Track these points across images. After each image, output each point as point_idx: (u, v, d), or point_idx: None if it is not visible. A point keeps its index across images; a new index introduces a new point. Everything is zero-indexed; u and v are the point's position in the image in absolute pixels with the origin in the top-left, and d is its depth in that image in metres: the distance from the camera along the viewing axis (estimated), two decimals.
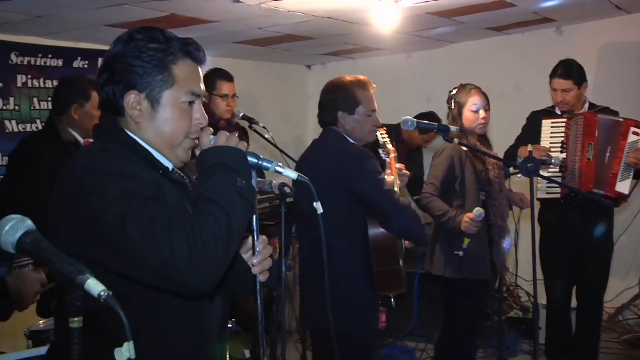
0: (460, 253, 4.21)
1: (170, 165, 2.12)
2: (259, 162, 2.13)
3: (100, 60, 5.16)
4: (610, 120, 4.97)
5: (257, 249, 2.22)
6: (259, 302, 2.27)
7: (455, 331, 4.49)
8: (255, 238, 2.22)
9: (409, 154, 6.66)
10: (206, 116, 2.16)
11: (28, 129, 5.16)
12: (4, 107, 5.06)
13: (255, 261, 2.21)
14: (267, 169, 2.17)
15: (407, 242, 3.93)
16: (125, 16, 4.65)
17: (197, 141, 2.14)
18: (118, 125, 2.08)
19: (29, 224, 1.62)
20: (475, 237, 4.21)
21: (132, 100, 2.04)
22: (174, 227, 1.84)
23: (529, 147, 4.13)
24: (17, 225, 1.61)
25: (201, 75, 2.16)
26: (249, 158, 2.10)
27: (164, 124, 2.08)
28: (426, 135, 6.51)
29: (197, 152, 2.14)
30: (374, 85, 3.75)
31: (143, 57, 2.04)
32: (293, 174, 2.22)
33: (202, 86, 2.15)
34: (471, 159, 4.35)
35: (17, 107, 5.13)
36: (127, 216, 1.82)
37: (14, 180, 4.20)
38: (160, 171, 2.07)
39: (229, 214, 1.92)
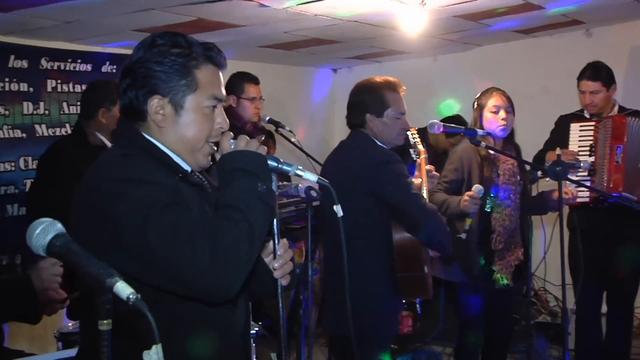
0: (463, 236, 4.12)
1: (189, 168, 2.13)
2: (279, 165, 2.14)
3: None
4: None
5: (278, 252, 2.23)
6: (280, 305, 2.27)
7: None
8: (276, 242, 2.23)
9: (436, 158, 6.61)
10: (227, 120, 2.17)
11: (58, 133, 5.20)
12: (35, 112, 5.11)
13: (276, 265, 2.21)
14: (287, 172, 2.18)
15: (432, 250, 3.89)
16: (153, 21, 4.69)
17: (215, 147, 2.14)
18: (137, 130, 2.09)
19: (59, 227, 1.63)
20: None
21: (156, 105, 2.04)
22: (195, 234, 1.84)
23: (557, 151, 4.10)
24: (48, 229, 1.62)
25: (222, 79, 2.16)
26: (269, 162, 2.10)
27: (187, 129, 2.08)
28: (453, 139, 6.47)
29: (217, 157, 2.14)
30: (404, 88, 3.71)
31: (166, 62, 2.04)
32: (313, 177, 2.22)
33: (224, 91, 2.16)
34: (480, 164, 4.31)
35: (47, 112, 5.18)
36: (148, 224, 1.83)
37: (43, 183, 4.24)
38: (180, 174, 2.07)
39: (250, 219, 1.93)
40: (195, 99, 2.07)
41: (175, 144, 2.09)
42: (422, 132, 5.85)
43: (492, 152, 4.32)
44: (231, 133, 2.15)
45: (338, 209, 2.29)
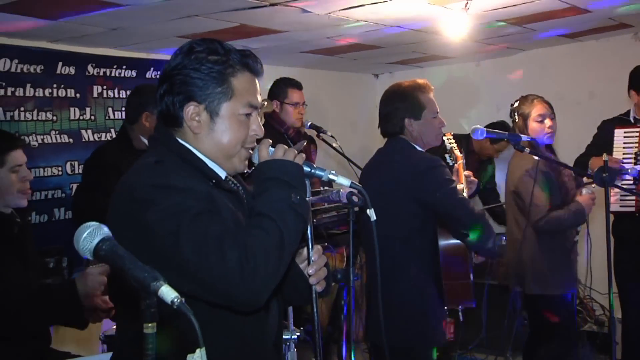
0: (576, 239, 4.32)
1: (223, 174, 2.14)
2: (312, 170, 2.15)
3: None
4: None
5: (312, 258, 2.23)
6: (315, 310, 2.27)
7: None
8: (310, 248, 2.23)
9: (481, 165, 6.59)
10: (262, 128, 2.18)
11: (103, 138, 5.27)
12: (81, 117, 5.18)
13: (311, 271, 2.22)
14: (320, 177, 2.18)
15: (477, 255, 3.86)
16: (196, 27, 4.72)
17: (252, 151, 2.15)
18: (173, 136, 2.10)
19: (105, 231, 1.65)
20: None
21: (192, 111, 2.06)
22: (226, 242, 1.85)
23: (604, 157, 4.04)
24: (95, 232, 1.63)
25: (258, 87, 2.17)
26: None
27: (222, 135, 2.09)
28: (497, 145, 6.41)
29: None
30: (432, 87, 3.69)
31: (203, 69, 2.06)
32: (346, 182, 2.22)
33: (259, 98, 2.16)
34: (556, 170, 4.28)
35: (93, 117, 5.25)
36: (180, 232, 1.85)
37: (89, 187, 4.29)
38: (213, 181, 2.07)
39: (282, 229, 1.93)
40: (230, 107, 2.09)
41: (211, 150, 2.10)
42: (466, 138, 5.83)
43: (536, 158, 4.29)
44: (270, 140, 2.16)
45: (371, 212, 2.28)
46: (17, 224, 3.33)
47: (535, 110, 4.30)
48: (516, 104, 4.40)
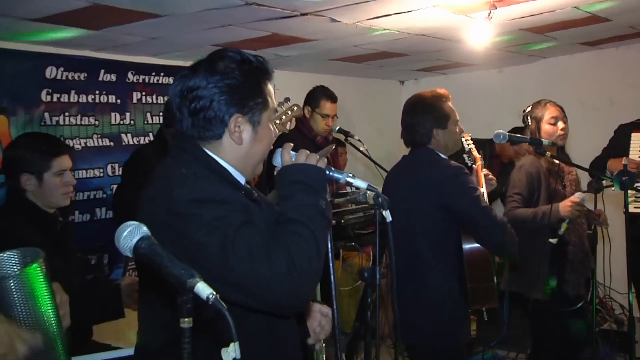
0: (554, 241, 4.07)
1: (244, 182, 2.11)
2: (330, 173, 2.13)
3: None
4: None
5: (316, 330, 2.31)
6: (334, 308, 2.25)
7: None
8: (330, 248, 2.22)
9: (503, 168, 6.54)
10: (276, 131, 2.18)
11: (142, 141, 5.31)
12: (121, 122, 5.23)
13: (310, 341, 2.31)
14: (338, 180, 2.18)
15: (497, 258, 3.83)
16: (231, 36, 4.75)
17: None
18: (199, 146, 2.05)
19: (144, 230, 1.65)
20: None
21: (235, 124, 2.03)
22: (271, 252, 1.84)
23: (624, 161, 3.99)
24: (134, 231, 1.64)
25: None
26: None
27: (259, 144, 2.09)
28: (518, 147, 6.37)
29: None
30: (451, 96, 3.68)
31: (238, 77, 2.05)
32: (363, 184, 2.22)
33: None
34: (546, 176, 4.23)
35: (132, 122, 5.30)
36: (227, 245, 1.83)
37: (127, 187, 4.33)
38: (243, 192, 2.05)
39: (316, 235, 1.93)
40: (267, 115, 2.09)
41: (241, 158, 2.08)
42: (489, 143, 5.81)
43: (556, 162, 4.25)
44: (292, 144, 2.14)
45: (387, 214, 2.28)
46: (60, 222, 3.37)
47: (548, 113, 4.27)
48: (529, 109, 4.36)
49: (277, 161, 2.12)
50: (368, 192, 3.04)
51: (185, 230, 1.87)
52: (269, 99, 2.08)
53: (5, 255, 1.70)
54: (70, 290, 3.27)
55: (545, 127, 4.25)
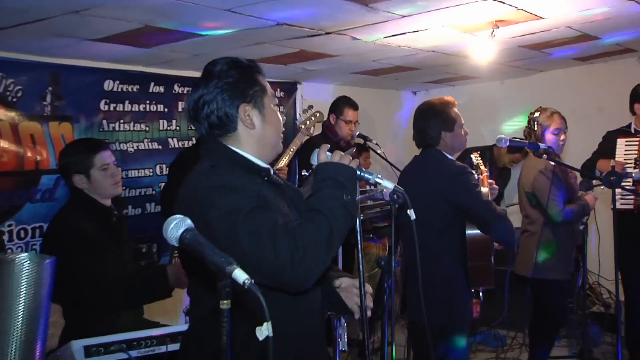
0: (582, 227, 4.27)
1: (266, 166, 2.14)
2: (362, 174, 2.13)
3: None
4: None
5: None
6: (362, 293, 2.23)
7: None
8: (359, 240, 2.22)
9: (501, 172, 6.53)
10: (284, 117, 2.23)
11: (186, 145, 5.31)
12: (168, 128, 5.25)
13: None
14: (368, 180, 2.17)
15: (497, 244, 3.83)
16: (263, 52, 4.75)
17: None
18: (222, 143, 2.11)
19: (188, 222, 1.66)
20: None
21: (244, 111, 2.09)
22: (277, 235, 1.84)
23: (612, 162, 3.97)
24: (180, 224, 1.65)
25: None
26: None
27: (270, 125, 2.14)
28: (513, 156, 6.34)
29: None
30: (457, 103, 3.67)
31: (235, 75, 2.13)
32: (390, 185, 2.20)
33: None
34: (564, 173, 4.23)
35: (177, 128, 5.31)
36: (237, 228, 1.84)
37: (172, 185, 4.35)
38: (264, 175, 2.08)
39: (331, 224, 1.91)
40: (267, 100, 2.14)
41: (259, 142, 2.12)
42: (489, 149, 5.79)
43: (551, 163, 4.23)
44: (328, 145, 2.16)
45: (411, 212, 2.26)
46: (115, 215, 3.40)
47: (554, 124, 4.26)
48: (536, 114, 4.33)
49: (314, 160, 2.13)
50: (385, 190, 3.04)
51: (202, 212, 1.90)
52: (266, 86, 2.14)
53: (23, 255, 1.68)
54: (123, 273, 3.32)
55: (549, 136, 4.25)
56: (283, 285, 1.90)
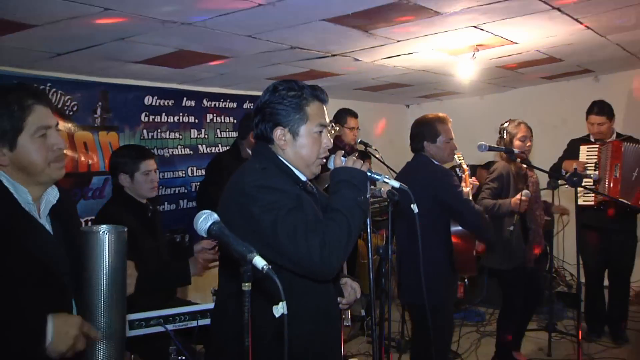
0: (511, 228, 4.02)
1: (305, 179, 2.10)
2: (372, 175, 2.12)
3: None
4: (635, 147, 4.78)
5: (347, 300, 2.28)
6: (371, 277, 2.24)
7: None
8: (369, 232, 2.21)
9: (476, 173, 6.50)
10: (331, 141, 2.15)
11: (213, 150, 5.31)
12: (198, 136, 5.25)
13: (344, 302, 2.28)
14: (378, 179, 2.16)
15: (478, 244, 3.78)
16: (280, 71, 4.75)
17: (325, 160, 2.13)
18: (270, 149, 2.08)
19: (215, 217, 1.65)
20: (514, 235, 4.06)
21: (279, 133, 2.05)
22: (309, 232, 1.85)
23: (574, 165, 3.94)
24: (208, 218, 1.64)
25: (326, 111, 2.14)
26: None
27: (302, 149, 2.07)
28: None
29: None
30: (451, 120, 3.63)
31: (285, 102, 2.04)
32: (396, 184, 2.19)
33: (327, 119, 2.13)
34: (515, 178, 4.18)
35: (206, 136, 5.31)
36: (277, 223, 1.85)
37: (208, 184, 4.34)
38: (300, 185, 2.05)
39: (350, 222, 1.92)
40: (306, 128, 2.06)
41: (295, 160, 2.08)
42: (474, 169, 5.77)
43: (524, 166, 4.21)
44: (342, 151, 2.14)
45: (414, 207, 2.25)
46: (150, 210, 3.39)
47: (521, 133, 4.22)
48: (506, 124, 4.31)
49: (331, 164, 2.13)
50: (382, 188, 3.02)
51: (249, 207, 1.90)
52: (310, 116, 2.06)
53: (103, 226, 1.73)
54: (159, 259, 3.31)
55: (517, 142, 4.21)
56: (311, 274, 1.91)
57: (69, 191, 2.04)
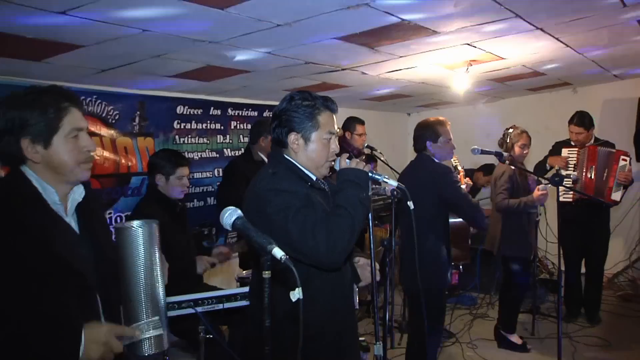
0: (538, 219, 4.17)
1: (315, 178, 2.10)
2: (373, 175, 2.12)
3: None
4: (607, 151, 4.78)
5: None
6: (372, 268, 2.21)
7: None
8: (370, 226, 2.19)
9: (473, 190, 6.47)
10: (338, 146, 2.15)
11: (237, 153, 5.30)
12: (224, 141, 5.24)
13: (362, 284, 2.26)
14: (378, 179, 2.16)
15: (472, 229, 3.78)
16: (295, 84, 4.74)
17: (333, 163, 2.13)
18: (283, 154, 2.09)
19: (239, 212, 1.65)
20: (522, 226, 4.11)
21: (293, 138, 2.05)
22: (317, 227, 1.86)
23: (556, 167, 3.95)
24: (232, 213, 1.65)
25: (335, 120, 2.13)
26: None
27: (313, 153, 2.07)
28: (488, 177, 6.25)
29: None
30: (450, 123, 3.61)
31: (299, 111, 2.04)
32: (394, 183, 2.19)
33: (336, 126, 2.13)
34: (519, 176, 4.19)
35: (231, 141, 5.31)
36: (288, 221, 1.86)
37: (224, 185, 4.34)
38: (309, 183, 2.05)
39: (353, 217, 1.92)
40: (317, 134, 2.06)
41: (306, 162, 2.08)
42: (471, 173, 5.73)
43: (512, 167, 4.22)
44: (348, 154, 2.15)
45: (410, 204, 2.25)
46: (179, 206, 3.38)
47: (522, 140, 4.27)
48: (510, 130, 4.33)
49: (337, 165, 2.13)
50: (387, 187, 3.00)
51: (262, 208, 1.91)
52: (321, 124, 2.06)
53: (135, 222, 1.69)
54: (186, 249, 3.31)
55: (517, 149, 4.27)
56: (320, 264, 1.90)
57: (94, 189, 1.96)
